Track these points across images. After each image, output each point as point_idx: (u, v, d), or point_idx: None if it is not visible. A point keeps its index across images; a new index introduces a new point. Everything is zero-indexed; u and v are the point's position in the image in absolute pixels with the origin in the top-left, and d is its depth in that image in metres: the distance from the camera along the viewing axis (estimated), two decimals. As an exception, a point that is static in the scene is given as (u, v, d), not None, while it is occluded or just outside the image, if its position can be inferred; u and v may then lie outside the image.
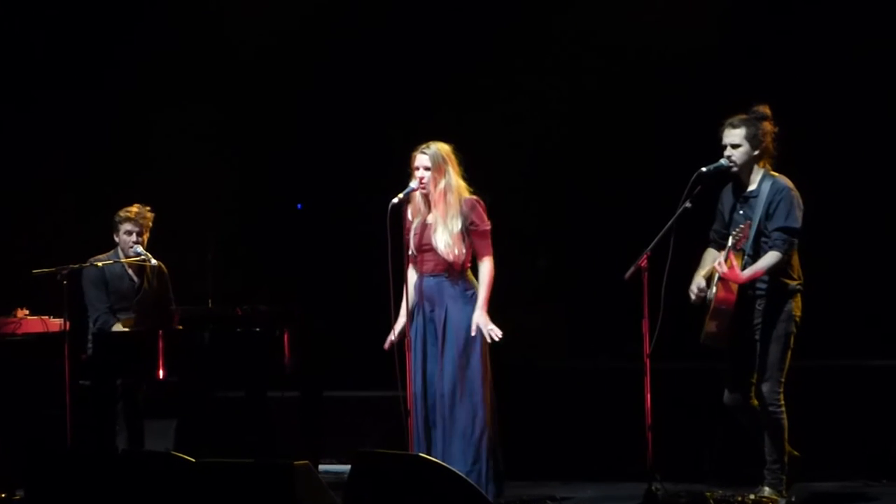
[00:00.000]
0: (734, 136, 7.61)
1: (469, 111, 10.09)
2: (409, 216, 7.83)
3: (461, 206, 7.73)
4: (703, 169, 7.56)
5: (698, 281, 7.68)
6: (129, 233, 8.95)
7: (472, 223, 7.74)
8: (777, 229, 7.51)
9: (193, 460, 6.73)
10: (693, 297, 7.67)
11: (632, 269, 7.56)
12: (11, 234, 10.51)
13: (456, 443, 7.64)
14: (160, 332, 8.36)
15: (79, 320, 9.00)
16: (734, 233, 7.48)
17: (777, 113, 7.68)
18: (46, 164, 10.71)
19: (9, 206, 10.59)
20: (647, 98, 9.96)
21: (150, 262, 8.86)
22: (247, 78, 10.78)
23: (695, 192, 7.52)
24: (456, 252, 7.71)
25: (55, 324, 8.83)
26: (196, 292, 9.09)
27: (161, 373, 8.34)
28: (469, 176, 7.84)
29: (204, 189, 10.53)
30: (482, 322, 7.67)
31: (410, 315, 7.75)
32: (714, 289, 7.56)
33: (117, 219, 9.01)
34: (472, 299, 7.75)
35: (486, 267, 7.75)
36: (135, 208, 9.01)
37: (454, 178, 7.75)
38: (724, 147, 7.64)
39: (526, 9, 10.32)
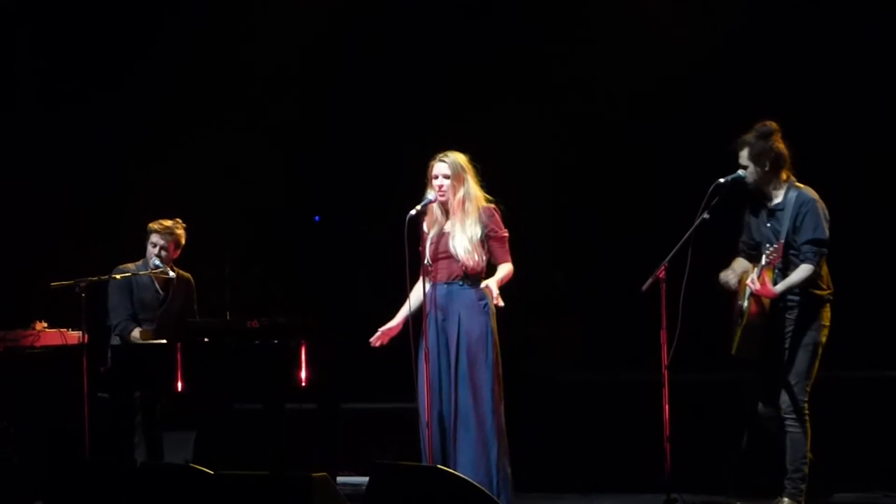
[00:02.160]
0: (742, 157, 7.65)
1: (485, 123, 10.09)
2: (426, 228, 7.84)
3: (480, 214, 7.76)
4: (721, 180, 7.57)
5: (728, 274, 7.70)
6: (154, 245, 8.96)
7: (491, 230, 7.76)
8: (806, 242, 7.53)
9: (212, 472, 6.73)
10: (725, 281, 7.70)
11: (650, 281, 7.57)
12: (30, 246, 10.53)
13: (467, 453, 7.62)
14: (178, 344, 8.37)
15: (97, 333, 9.01)
16: (767, 252, 7.47)
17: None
18: (65, 176, 10.74)
19: (27, 219, 10.61)
20: (665, 109, 9.94)
21: (168, 275, 8.87)
22: (264, 91, 10.79)
23: (712, 203, 7.52)
24: (476, 258, 7.72)
25: (73, 336, 8.84)
26: (214, 305, 9.10)
27: (179, 385, 8.35)
28: (485, 187, 7.86)
29: (221, 202, 10.54)
30: (493, 285, 7.61)
31: (424, 324, 7.75)
32: (746, 303, 7.57)
33: (148, 229, 9.02)
34: (485, 310, 7.74)
35: (507, 265, 7.77)
36: (167, 222, 9.00)
37: (473, 187, 7.78)
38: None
39: (543, 19, 10.32)
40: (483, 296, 7.76)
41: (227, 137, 10.70)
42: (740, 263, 7.79)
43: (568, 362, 10.27)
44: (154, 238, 8.96)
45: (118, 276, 8.85)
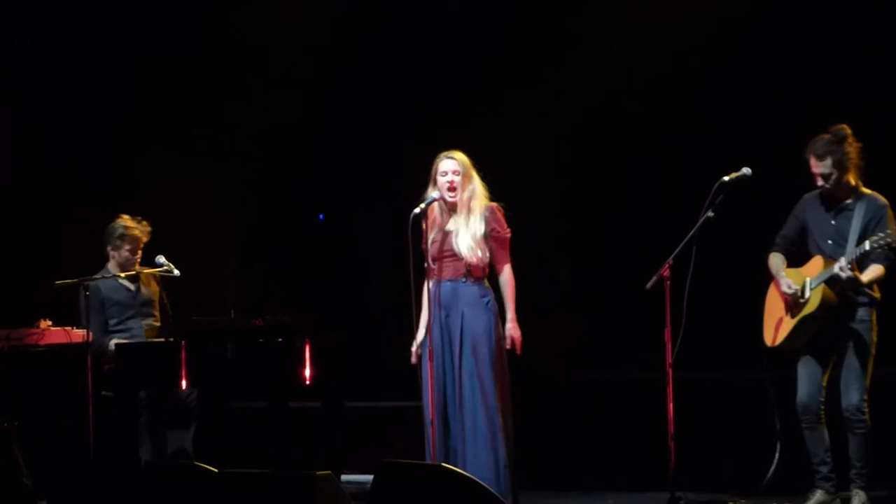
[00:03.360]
0: (823, 166, 7.63)
1: (488, 120, 10.09)
2: (425, 228, 7.84)
3: (484, 212, 7.78)
4: (726, 178, 7.57)
5: (787, 280, 7.70)
6: (132, 248, 8.98)
7: (493, 229, 7.79)
8: None
9: (216, 471, 6.73)
10: (789, 291, 7.68)
11: (654, 279, 7.58)
12: (35, 245, 10.53)
13: (473, 450, 7.63)
14: (183, 342, 8.36)
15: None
16: (874, 239, 7.41)
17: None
18: (68, 175, 10.74)
19: (32, 218, 10.61)
20: (669, 106, 9.92)
21: (173, 273, 8.88)
22: (266, 91, 10.79)
23: (717, 201, 7.52)
24: (479, 254, 7.76)
25: (78, 335, 8.84)
26: (218, 303, 9.10)
27: (184, 383, 8.34)
28: (488, 184, 7.87)
29: (225, 200, 10.55)
30: (517, 336, 7.76)
31: (429, 323, 7.76)
32: (809, 294, 7.59)
33: (126, 234, 8.99)
34: (489, 306, 7.77)
35: (507, 276, 7.80)
36: (131, 221, 9.03)
37: (479, 185, 7.84)
38: (816, 177, 7.66)
39: (543, 16, 10.30)
40: (486, 292, 7.78)
41: (230, 136, 10.70)
42: (779, 258, 7.82)
43: (572, 361, 10.26)
44: (131, 242, 8.94)
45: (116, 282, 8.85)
